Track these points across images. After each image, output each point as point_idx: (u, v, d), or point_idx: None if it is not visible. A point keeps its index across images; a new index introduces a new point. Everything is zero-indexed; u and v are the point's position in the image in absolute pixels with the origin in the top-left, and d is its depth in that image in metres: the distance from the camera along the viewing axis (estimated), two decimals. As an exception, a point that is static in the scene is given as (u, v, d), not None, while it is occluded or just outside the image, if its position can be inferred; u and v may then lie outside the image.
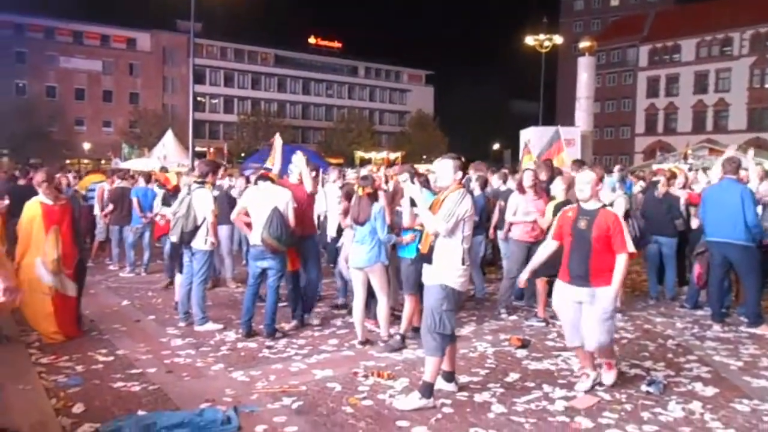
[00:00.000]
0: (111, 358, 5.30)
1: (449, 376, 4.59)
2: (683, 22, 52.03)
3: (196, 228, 6.20)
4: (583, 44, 24.06)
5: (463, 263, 4.29)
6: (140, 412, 4.05)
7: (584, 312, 4.53)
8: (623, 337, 6.19)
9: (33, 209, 5.73)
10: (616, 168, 8.27)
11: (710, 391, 4.65)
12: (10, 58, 47.56)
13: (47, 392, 4.43)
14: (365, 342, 5.78)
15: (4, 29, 47.23)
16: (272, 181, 6.27)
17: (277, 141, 7.48)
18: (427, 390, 4.25)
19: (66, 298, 5.86)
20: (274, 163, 7.39)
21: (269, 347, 5.70)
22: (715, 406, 4.33)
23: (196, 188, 6.34)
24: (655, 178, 8.49)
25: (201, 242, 6.25)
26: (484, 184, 8.42)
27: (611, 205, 6.90)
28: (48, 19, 50.63)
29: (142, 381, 4.73)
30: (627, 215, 6.83)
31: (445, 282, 4.26)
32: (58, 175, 8.57)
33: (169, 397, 4.40)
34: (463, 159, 4.71)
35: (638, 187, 8.76)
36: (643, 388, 4.65)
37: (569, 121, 26.28)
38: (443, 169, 4.42)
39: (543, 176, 7.56)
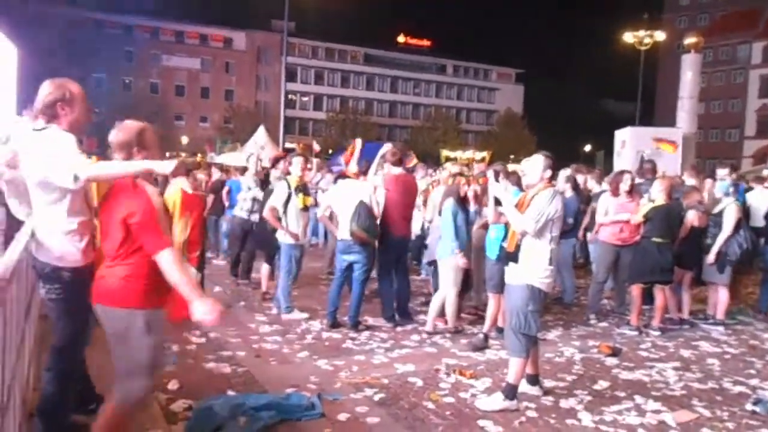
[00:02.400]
0: (203, 340, 5.54)
1: (533, 379, 4.46)
2: (802, 17, 48.05)
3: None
4: (689, 40, 22.67)
5: (550, 263, 4.17)
6: (230, 392, 4.20)
7: None
8: (726, 351, 5.79)
9: (175, 194, 6.05)
10: (726, 172, 7.63)
11: (826, 415, 4.25)
12: (120, 57, 50.94)
13: (145, 368, 4.69)
14: (432, 333, 5.95)
15: (114, 30, 50.68)
16: (350, 177, 6.37)
17: (357, 143, 7.60)
18: (511, 392, 4.15)
19: None
20: (349, 162, 7.50)
21: (353, 339, 5.78)
22: (832, 432, 3.96)
23: (279, 181, 6.56)
24: None
25: (281, 235, 6.44)
26: (574, 185, 8.12)
27: (720, 213, 6.49)
28: (154, 19, 53.80)
29: (232, 363, 4.92)
30: (738, 225, 6.38)
31: (531, 282, 4.14)
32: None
33: (257, 380, 4.54)
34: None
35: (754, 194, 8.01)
36: (749, 406, 4.32)
37: (669, 122, 24.92)
38: (533, 165, 4.30)
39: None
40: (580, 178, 8.89)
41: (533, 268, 4.15)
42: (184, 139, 49.70)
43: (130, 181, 2.77)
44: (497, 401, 4.13)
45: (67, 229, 3.00)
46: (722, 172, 7.67)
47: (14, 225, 3.40)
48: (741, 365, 5.39)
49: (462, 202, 5.96)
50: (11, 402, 2.72)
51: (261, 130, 26.45)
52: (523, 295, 4.16)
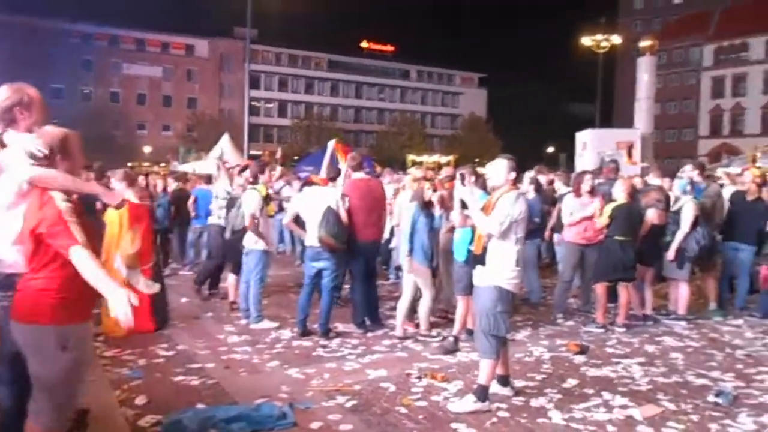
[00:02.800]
0: (172, 353, 5.45)
1: (504, 380, 4.50)
2: (752, 19, 49.72)
3: (245, 228, 6.37)
4: (644, 43, 23.29)
5: (517, 264, 4.23)
6: (199, 405, 4.13)
7: None
8: (688, 345, 5.95)
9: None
10: (688, 168, 7.80)
11: (784, 404, 4.41)
12: (78, 66, 49.81)
13: (111, 384, 4.59)
14: (402, 338, 5.99)
15: (72, 38, 49.56)
16: (316, 184, 6.38)
17: (330, 144, 7.63)
18: (482, 393, 4.18)
19: (139, 294, 6.03)
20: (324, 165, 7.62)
21: (323, 346, 5.74)
22: (790, 420, 4.10)
23: (249, 189, 6.50)
24: (741, 183, 7.99)
25: (251, 242, 6.39)
26: (537, 186, 8.25)
27: (678, 211, 6.67)
28: (113, 27, 52.79)
29: (201, 375, 4.84)
30: (696, 222, 6.56)
31: (499, 283, 4.20)
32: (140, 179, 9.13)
33: (227, 392, 4.48)
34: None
35: (727, 191, 8.20)
36: (711, 398, 4.45)
37: (627, 123, 25.54)
38: (497, 168, 4.37)
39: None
40: (543, 179, 9.05)
41: (500, 270, 4.20)
42: (147, 149, 48.86)
43: (39, 190, 2.66)
44: (468, 403, 4.16)
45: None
46: (687, 168, 7.85)
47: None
48: (703, 358, 5.54)
49: (426, 206, 6.00)
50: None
51: (225, 138, 26.20)
52: (491, 296, 4.20)
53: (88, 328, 2.84)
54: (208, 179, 10.84)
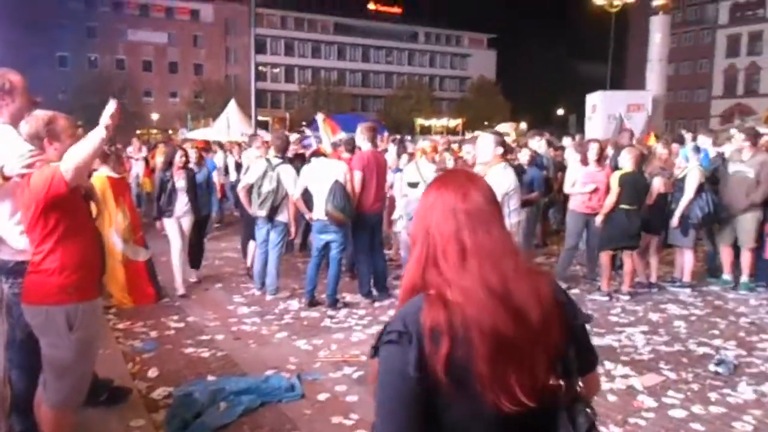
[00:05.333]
0: (182, 325, 5.57)
1: None
2: (770, -25, 48.30)
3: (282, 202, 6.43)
4: (657, 2, 22.74)
5: (514, 237, 4.24)
6: (210, 377, 4.26)
7: None
8: (692, 313, 5.99)
9: (101, 183, 5.97)
10: (689, 136, 7.77)
11: (785, 372, 4.46)
12: (82, 33, 49.41)
13: (124, 356, 4.72)
14: None
15: (76, 3, 49.04)
16: (324, 155, 6.37)
17: (318, 118, 7.70)
18: None
19: (137, 265, 6.20)
20: (322, 138, 7.66)
21: (331, 317, 5.85)
22: (789, 389, 4.16)
23: (279, 164, 6.47)
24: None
25: (284, 215, 6.45)
26: (531, 159, 8.21)
27: (683, 178, 6.63)
28: (117, -8, 52.22)
29: (211, 347, 4.96)
30: (701, 188, 6.52)
31: None
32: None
33: (237, 363, 4.60)
34: (503, 135, 4.67)
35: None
36: (712, 367, 4.51)
37: (640, 84, 25.08)
38: (484, 145, 4.34)
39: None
40: (537, 145, 9.10)
41: None
42: (154, 116, 48.81)
43: (25, 180, 2.66)
44: None
45: None
46: (702, 139, 7.79)
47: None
48: (706, 326, 5.59)
49: None
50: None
51: (232, 105, 26.10)
52: None
53: (96, 306, 2.90)
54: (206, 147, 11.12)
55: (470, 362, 1.18)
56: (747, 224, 6.62)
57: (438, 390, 1.20)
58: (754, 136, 6.87)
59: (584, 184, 6.72)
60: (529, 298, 1.21)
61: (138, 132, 42.00)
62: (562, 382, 1.26)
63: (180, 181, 6.59)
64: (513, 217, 4.24)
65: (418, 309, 1.23)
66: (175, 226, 6.58)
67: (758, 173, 6.50)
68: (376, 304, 6.27)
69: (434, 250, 1.26)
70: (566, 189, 6.99)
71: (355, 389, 4.12)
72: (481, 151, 4.37)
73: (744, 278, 6.72)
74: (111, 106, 2.66)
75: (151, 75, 54.71)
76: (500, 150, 4.32)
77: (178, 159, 6.66)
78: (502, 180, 4.16)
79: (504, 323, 1.17)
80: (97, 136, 2.61)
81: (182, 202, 6.59)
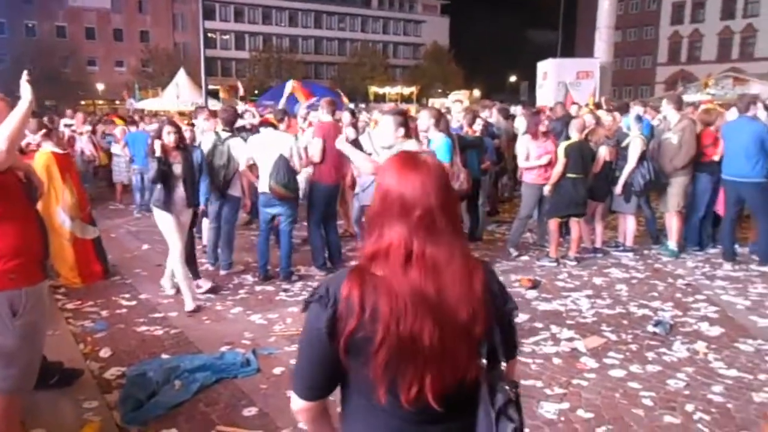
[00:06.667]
0: (134, 303, 5.52)
1: None
2: (713, -58, 49.30)
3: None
4: (605, -31, 22.96)
5: None
6: (164, 356, 4.26)
7: None
8: (633, 277, 6.27)
9: (46, 159, 5.80)
10: (632, 104, 7.98)
11: (716, 330, 4.75)
12: (18, -2, 46.87)
13: (75, 337, 4.66)
14: None
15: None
16: (274, 126, 6.28)
17: (288, 86, 7.56)
18: None
19: (85, 243, 6.08)
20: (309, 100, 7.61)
21: (286, 290, 5.88)
22: (719, 346, 4.43)
23: (229, 137, 6.37)
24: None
25: (237, 189, 6.38)
26: (472, 120, 8.20)
27: (626, 147, 6.85)
28: (53, -46, 49.49)
29: (165, 325, 4.94)
30: (643, 157, 6.75)
31: None
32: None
33: (191, 341, 4.60)
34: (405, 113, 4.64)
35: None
36: (650, 328, 4.76)
37: (589, 52, 25.45)
38: (385, 128, 4.24)
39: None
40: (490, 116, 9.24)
41: None
42: (100, 86, 46.96)
43: None
44: None
45: None
46: (638, 108, 8.03)
47: None
48: (645, 289, 5.87)
49: None
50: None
51: (181, 74, 25.35)
52: None
53: (41, 290, 2.85)
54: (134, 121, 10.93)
55: (369, 350, 1.27)
56: (672, 189, 6.90)
57: (341, 356, 1.32)
58: (677, 103, 7.17)
59: (539, 156, 6.84)
60: (461, 301, 1.28)
61: (83, 103, 40.49)
62: (485, 362, 1.33)
63: (176, 166, 5.26)
64: None
65: (343, 279, 1.32)
66: (173, 223, 5.28)
67: (680, 139, 6.77)
68: (331, 275, 6.30)
69: (382, 246, 1.31)
70: (521, 163, 7.08)
71: (310, 362, 4.19)
72: (383, 134, 4.26)
73: (672, 244, 7.04)
74: (24, 76, 2.83)
75: (95, 43, 52.44)
76: (402, 131, 4.23)
77: (168, 137, 5.21)
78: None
79: (426, 331, 1.25)
80: (24, 102, 2.73)
81: (180, 193, 5.30)
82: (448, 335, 1.27)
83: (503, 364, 1.38)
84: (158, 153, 5.11)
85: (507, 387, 1.31)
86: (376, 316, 1.26)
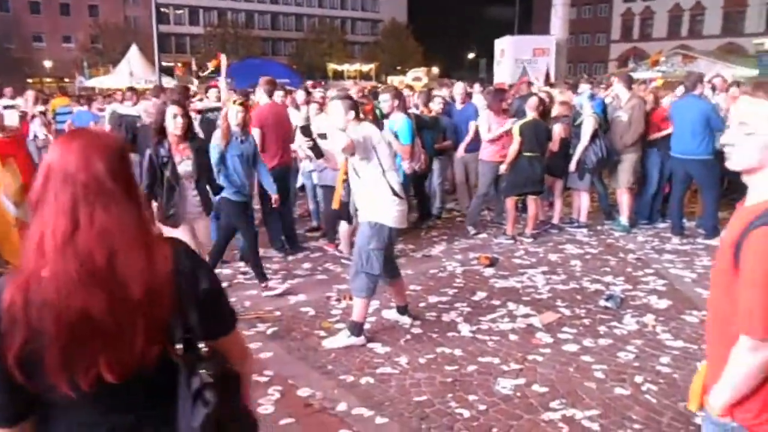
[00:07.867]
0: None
1: (402, 310, 4.61)
2: None
3: None
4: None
5: (395, 194, 4.10)
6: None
7: None
8: (587, 252, 6.44)
9: None
10: (583, 84, 8.15)
11: (664, 303, 4.94)
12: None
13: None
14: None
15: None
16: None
17: (223, 60, 7.49)
18: (356, 328, 4.20)
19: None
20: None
21: (244, 273, 5.82)
22: (666, 318, 4.62)
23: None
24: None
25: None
26: (427, 99, 8.07)
27: (579, 125, 6.98)
28: None
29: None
30: (595, 135, 6.89)
31: (375, 219, 4.11)
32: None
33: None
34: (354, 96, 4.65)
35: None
36: (602, 303, 4.91)
37: (545, 29, 25.72)
38: (335, 112, 4.12)
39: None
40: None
41: (377, 204, 4.11)
42: (47, 63, 45.13)
43: None
44: (342, 339, 4.20)
45: None
46: (584, 87, 8.19)
47: None
48: (598, 264, 6.04)
49: None
50: None
51: (133, 50, 24.55)
52: (365, 233, 4.15)
53: None
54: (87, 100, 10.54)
55: (43, 352, 1.18)
56: (623, 165, 7.07)
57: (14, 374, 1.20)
58: (627, 82, 7.35)
59: (499, 135, 6.90)
60: (135, 276, 1.20)
61: (29, 81, 38.81)
62: (180, 346, 1.29)
63: (185, 162, 4.31)
64: (388, 174, 4.07)
65: (2, 288, 1.20)
66: (188, 234, 4.35)
67: (630, 116, 6.95)
68: (290, 258, 6.30)
69: (45, 224, 1.22)
70: (483, 137, 7.09)
71: (270, 345, 4.19)
72: (335, 119, 4.13)
73: (623, 219, 7.24)
74: None
75: (41, 17, 50.20)
76: (352, 114, 4.12)
77: (174, 122, 4.14)
78: (361, 134, 3.99)
79: (97, 304, 1.17)
80: None
81: (192, 197, 4.43)
82: (119, 310, 1.19)
83: (206, 346, 1.34)
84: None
85: (204, 370, 1.26)
86: (44, 310, 1.17)
